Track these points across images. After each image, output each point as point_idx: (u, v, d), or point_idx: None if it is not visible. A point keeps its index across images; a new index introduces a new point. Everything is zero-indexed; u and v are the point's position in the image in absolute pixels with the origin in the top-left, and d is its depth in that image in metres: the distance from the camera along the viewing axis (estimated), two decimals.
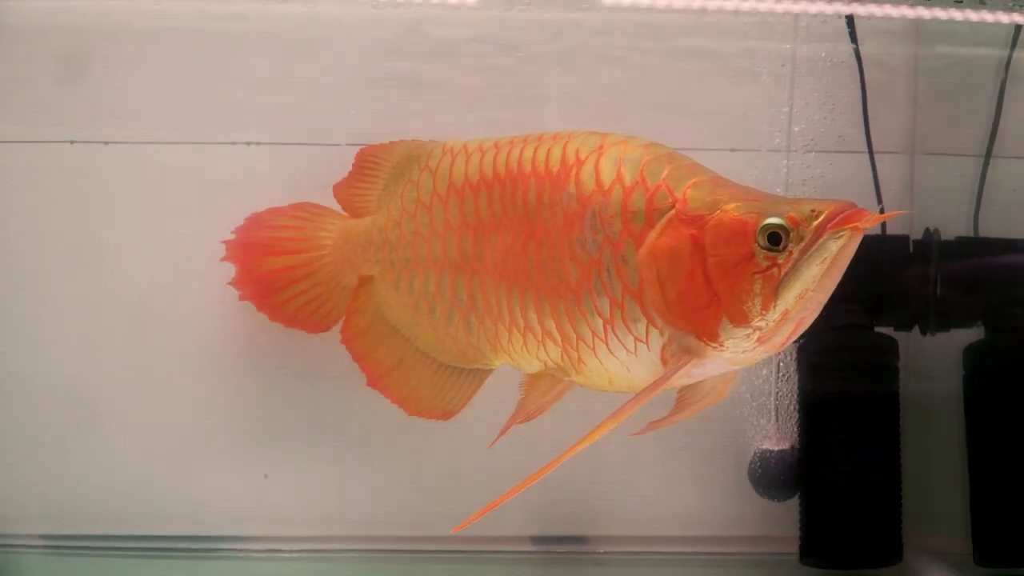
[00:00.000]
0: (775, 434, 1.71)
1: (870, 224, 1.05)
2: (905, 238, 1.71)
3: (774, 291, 1.08)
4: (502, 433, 1.37)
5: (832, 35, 1.71)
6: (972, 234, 1.73)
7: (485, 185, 1.36)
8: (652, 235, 1.17)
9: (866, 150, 1.73)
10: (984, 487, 1.66)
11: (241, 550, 1.74)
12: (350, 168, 1.57)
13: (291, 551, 1.74)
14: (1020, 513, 1.63)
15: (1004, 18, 1.66)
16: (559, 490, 1.76)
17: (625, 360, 1.25)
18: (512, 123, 1.54)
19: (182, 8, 1.71)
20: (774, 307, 1.09)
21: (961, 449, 1.69)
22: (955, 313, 1.69)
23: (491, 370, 1.47)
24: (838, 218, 1.06)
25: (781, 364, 1.71)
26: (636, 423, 1.31)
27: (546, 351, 1.33)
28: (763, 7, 1.64)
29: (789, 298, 1.08)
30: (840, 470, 1.63)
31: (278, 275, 1.56)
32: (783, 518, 1.71)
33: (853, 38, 1.70)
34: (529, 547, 1.78)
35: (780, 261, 1.08)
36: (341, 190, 1.58)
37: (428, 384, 1.49)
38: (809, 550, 1.66)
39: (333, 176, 1.61)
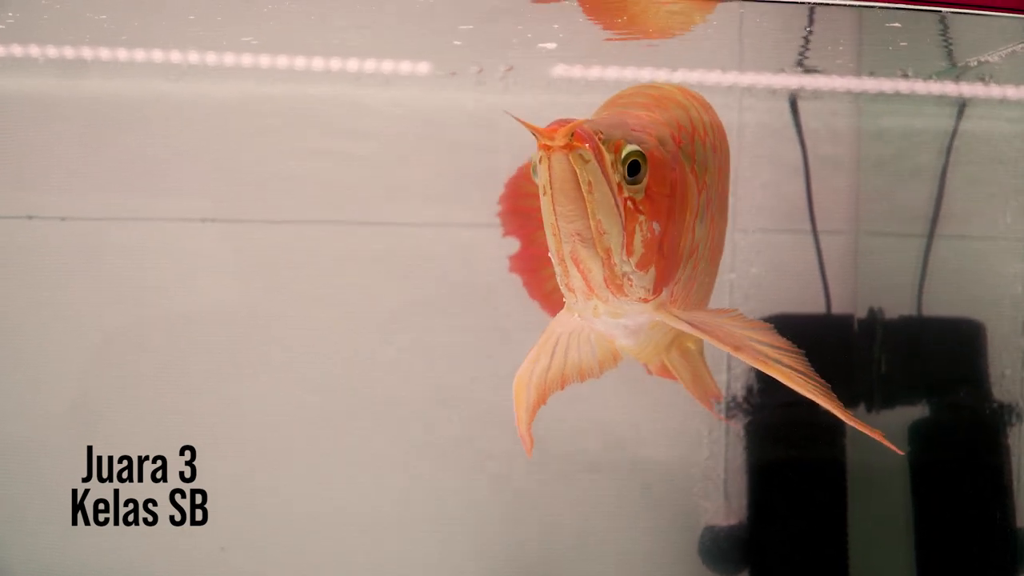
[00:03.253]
0: (724, 510, 1.73)
1: (556, 143, 0.87)
2: (850, 317, 1.73)
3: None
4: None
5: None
6: (916, 313, 1.76)
7: None
8: None
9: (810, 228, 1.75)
10: (930, 561, 1.68)
11: None
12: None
13: None
14: None
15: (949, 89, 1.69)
16: (511, 566, 1.76)
17: None
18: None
19: (137, 85, 1.72)
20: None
21: (907, 524, 1.71)
22: (899, 391, 1.72)
23: None
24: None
25: (730, 436, 1.73)
26: None
27: None
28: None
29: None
30: (787, 545, 1.65)
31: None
32: None
33: (796, 118, 1.73)
34: None
35: None
36: None
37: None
38: None
39: (283, 253, 1.63)
